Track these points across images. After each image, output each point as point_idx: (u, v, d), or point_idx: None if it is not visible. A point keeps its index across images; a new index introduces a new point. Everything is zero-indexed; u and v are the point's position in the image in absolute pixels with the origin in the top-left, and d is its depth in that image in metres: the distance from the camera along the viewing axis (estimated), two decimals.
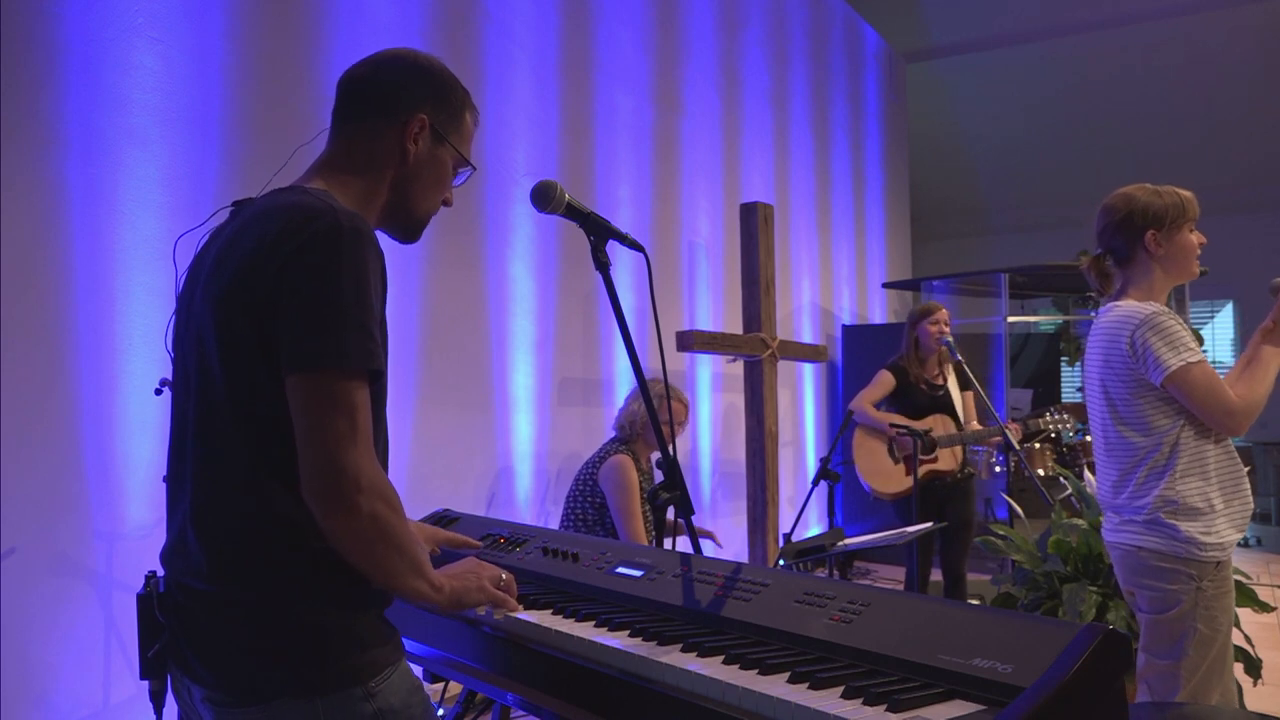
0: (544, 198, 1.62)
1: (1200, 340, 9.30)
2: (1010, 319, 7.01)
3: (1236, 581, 3.09)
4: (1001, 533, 3.56)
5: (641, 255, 1.65)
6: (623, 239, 1.66)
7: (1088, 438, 6.15)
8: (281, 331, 1.15)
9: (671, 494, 1.61)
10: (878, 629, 1.25)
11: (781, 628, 1.33)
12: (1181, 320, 2.26)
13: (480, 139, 4.01)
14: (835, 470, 3.80)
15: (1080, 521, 3.32)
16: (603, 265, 1.63)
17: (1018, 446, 4.34)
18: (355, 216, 1.21)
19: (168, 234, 2.80)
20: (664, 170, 5.32)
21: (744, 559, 4.37)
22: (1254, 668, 3.04)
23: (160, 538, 1.33)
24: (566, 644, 1.41)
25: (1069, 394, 9.51)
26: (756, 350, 4.21)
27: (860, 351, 7.13)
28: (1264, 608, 3.02)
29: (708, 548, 2.91)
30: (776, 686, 1.17)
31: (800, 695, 1.14)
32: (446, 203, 1.45)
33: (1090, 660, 1.05)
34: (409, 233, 1.43)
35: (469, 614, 1.55)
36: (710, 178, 5.76)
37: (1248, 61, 8.51)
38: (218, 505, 1.20)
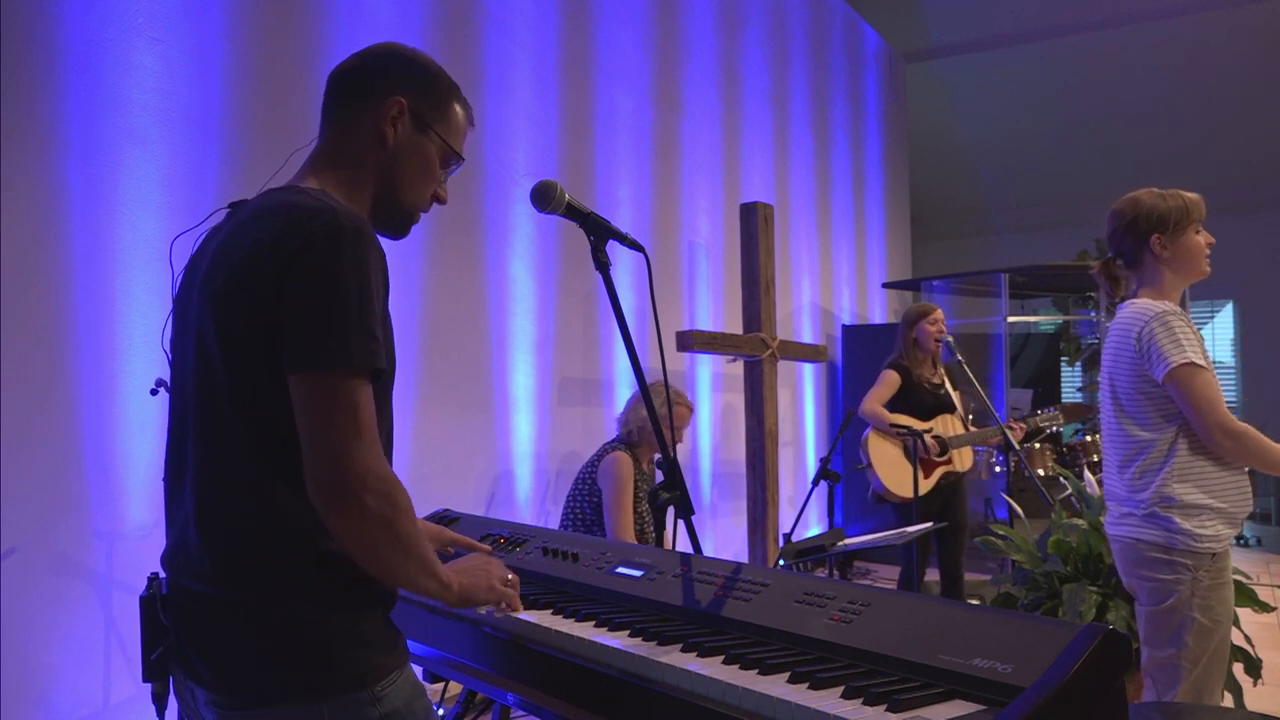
0: (544, 198, 1.62)
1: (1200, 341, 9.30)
2: (1010, 319, 7.01)
3: (1236, 582, 3.09)
4: (1001, 533, 3.56)
5: (641, 255, 1.65)
6: (623, 239, 1.66)
7: (1088, 438, 6.16)
8: (283, 332, 1.14)
9: (671, 494, 1.61)
10: (878, 629, 1.25)
11: (781, 628, 1.33)
12: (1193, 325, 2.29)
13: (480, 139, 4.02)
14: (835, 470, 3.80)
15: (1080, 521, 3.32)
16: (603, 265, 1.63)
17: (1018, 446, 4.34)
18: (355, 215, 1.20)
19: (168, 234, 2.79)
20: (664, 170, 5.32)
21: (744, 559, 4.37)
22: (1254, 668, 3.04)
23: (160, 538, 1.33)
24: (566, 644, 1.41)
25: (1069, 394, 9.51)
26: (756, 350, 4.21)
27: (860, 351, 7.13)
28: (1264, 608, 3.02)
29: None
30: (776, 686, 1.17)
31: (800, 695, 1.14)
32: (439, 199, 1.44)
33: (1090, 660, 1.06)
34: (397, 225, 1.41)
35: (469, 613, 1.55)
36: (710, 178, 5.76)
37: (1248, 61, 8.51)
38: (220, 507, 1.20)
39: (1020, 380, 8.42)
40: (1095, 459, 6.01)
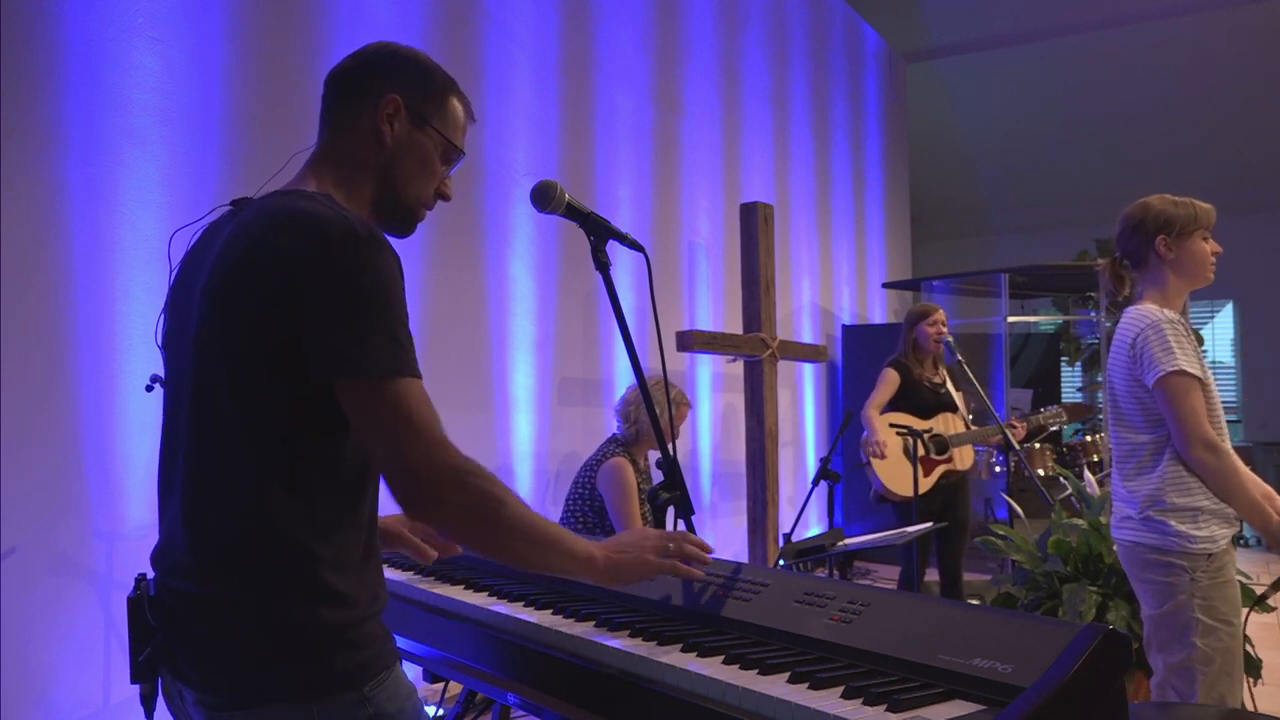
0: (544, 198, 1.62)
1: (1200, 341, 9.32)
2: (1010, 319, 7.01)
3: (1238, 581, 3.09)
4: (1001, 533, 3.57)
5: (641, 255, 1.65)
6: (623, 239, 1.66)
7: (1088, 438, 6.16)
8: (313, 342, 1.14)
9: (671, 494, 1.61)
10: (878, 629, 1.25)
11: (781, 628, 1.33)
12: (1191, 336, 2.32)
13: (480, 139, 4.02)
14: (835, 470, 3.80)
15: (1080, 521, 3.32)
16: (603, 265, 1.63)
17: (1018, 446, 4.34)
18: (368, 223, 1.20)
19: (168, 234, 2.79)
20: (664, 170, 5.32)
21: (744, 559, 4.37)
22: (1254, 668, 3.04)
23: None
24: (566, 644, 1.41)
25: (1069, 394, 9.51)
26: (756, 350, 4.21)
27: (860, 351, 7.13)
28: (1264, 608, 3.02)
29: None
30: (776, 686, 1.17)
31: (800, 695, 1.14)
32: (443, 195, 1.43)
33: (1090, 660, 1.05)
34: (401, 224, 1.40)
35: (471, 613, 1.54)
36: (710, 178, 5.76)
37: (1248, 61, 8.51)
38: (212, 505, 1.19)
39: (1020, 380, 8.42)
40: (1095, 459, 6.01)
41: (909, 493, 4.26)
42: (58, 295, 2.58)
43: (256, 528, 1.17)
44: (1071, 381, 9.72)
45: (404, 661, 2.01)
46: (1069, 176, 9.88)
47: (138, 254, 2.77)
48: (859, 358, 7.09)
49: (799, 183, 6.93)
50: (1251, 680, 3.03)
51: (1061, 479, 3.96)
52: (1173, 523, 2.25)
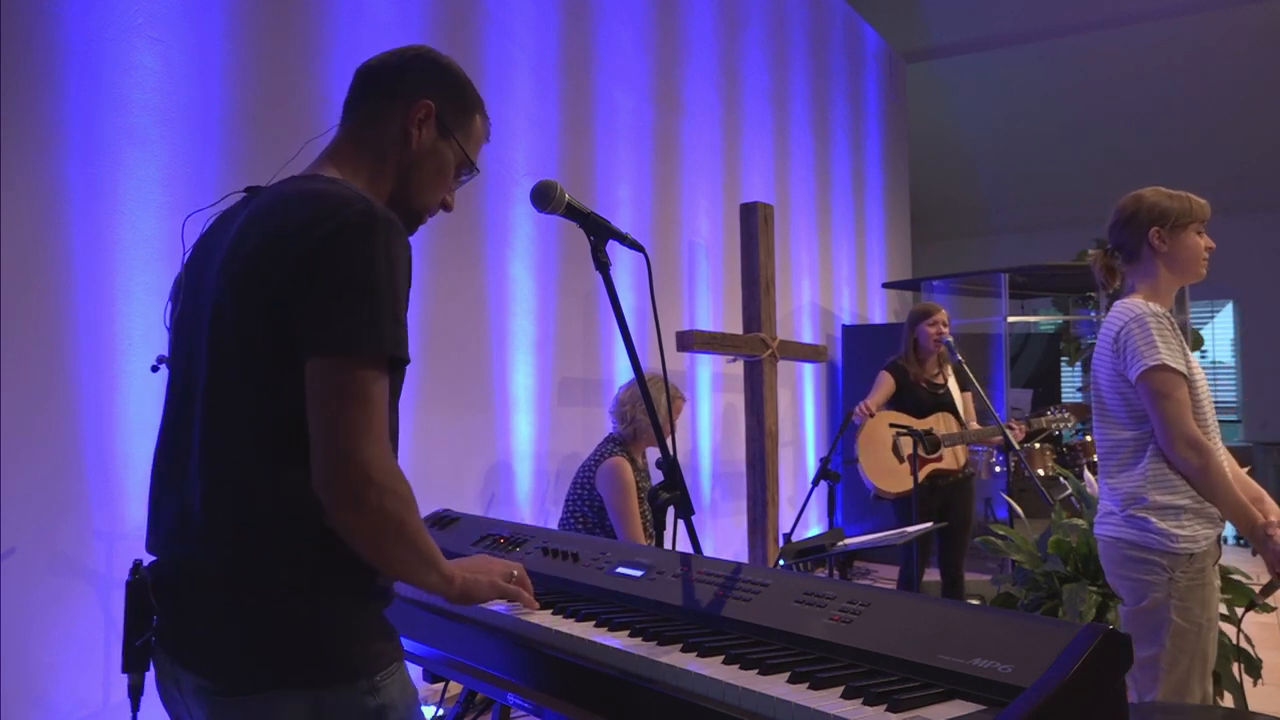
0: (544, 198, 1.62)
1: (1200, 341, 9.33)
2: (1010, 319, 7.01)
3: (1236, 581, 3.09)
4: (1001, 533, 3.57)
5: (641, 255, 1.65)
6: (623, 239, 1.66)
7: (1088, 438, 6.16)
8: (306, 316, 1.13)
9: (671, 494, 1.61)
10: (878, 629, 1.25)
11: (781, 628, 1.33)
12: (1177, 330, 2.29)
13: None
14: (835, 470, 3.81)
15: (1080, 521, 3.32)
16: (603, 265, 1.63)
17: (1018, 446, 4.34)
18: (387, 209, 1.21)
19: (168, 234, 2.81)
20: (664, 170, 5.32)
21: (744, 559, 4.37)
22: (1254, 668, 3.04)
23: None
24: (566, 644, 1.41)
25: (1069, 394, 9.51)
26: (756, 350, 4.21)
27: (860, 351, 7.13)
28: (1264, 608, 3.02)
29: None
30: (776, 686, 1.17)
31: (800, 695, 1.14)
32: (446, 206, 1.44)
33: (1090, 660, 1.06)
34: (405, 226, 1.38)
35: (470, 612, 1.54)
36: (710, 178, 5.77)
37: (1247, 61, 8.51)
38: (226, 487, 1.18)
39: (1020, 380, 8.42)
40: (1095, 459, 6.00)
41: (896, 489, 4.29)
42: (58, 295, 2.58)
43: (272, 511, 1.16)
44: (1072, 381, 9.72)
45: (404, 661, 2.01)
46: (1069, 176, 9.88)
47: (138, 254, 2.77)
48: (859, 358, 7.09)
49: (799, 183, 6.93)
50: (1252, 680, 3.03)
51: (1061, 479, 3.96)
52: (1154, 520, 2.23)
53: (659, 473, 1.65)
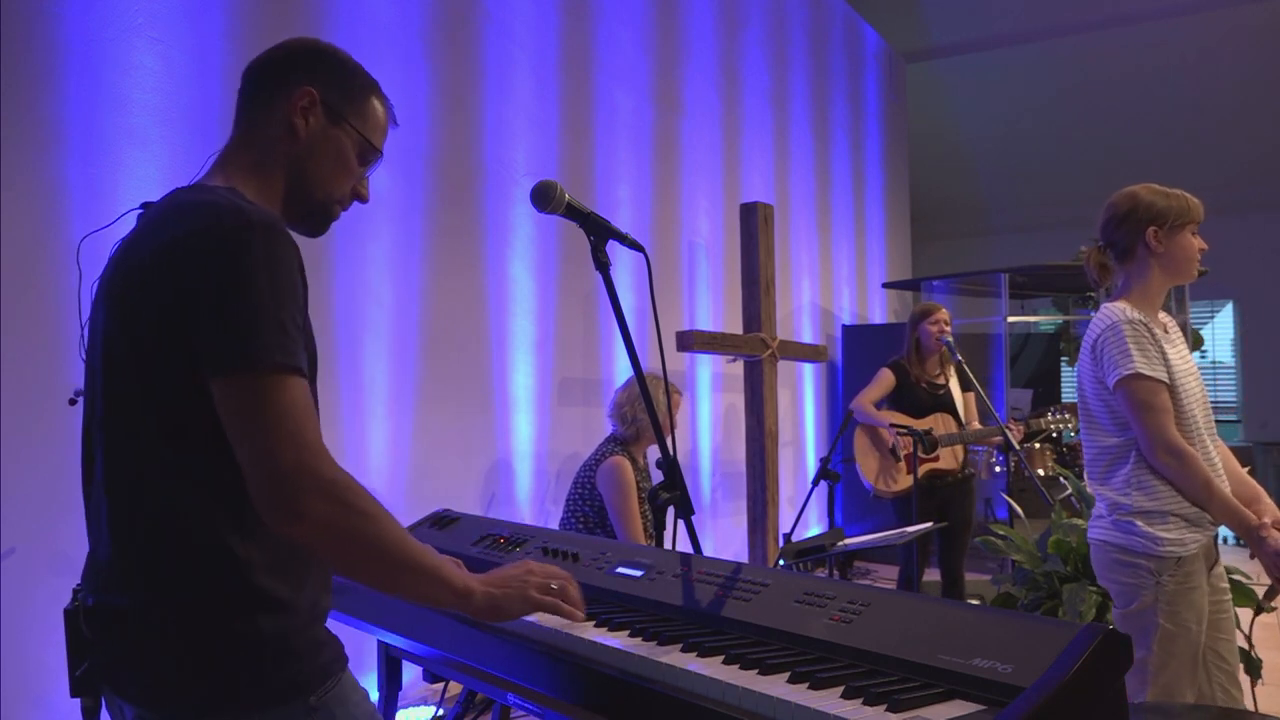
0: (544, 198, 1.62)
1: (1200, 341, 9.32)
2: (1010, 319, 7.00)
3: (1236, 581, 3.09)
4: (1001, 533, 3.57)
5: (641, 255, 1.65)
6: (623, 239, 1.66)
7: None
8: (198, 335, 1.09)
9: (671, 494, 1.61)
10: (878, 629, 1.25)
11: (781, 628, 1.33)
12: (1155, 336, 2.27)
13: (480, 139, 4.02)
14: (835, 470, 3.81)
15: (1080, 521, 3.32)
16: (603, 265, 1.63)
17: (1018, 446, 4.34)
18: (266, 212, 1.16)
19: None
20: (664, 170, 5.32)
21: (744, 559, 4.37)
22: (1254, 668, 3.04)
23: None
24: (566, 644, 1.41)
25: (1069, 394, 9.50)
26: (756, 350, 4.21)
27: (860, 351, 7.13)
28: (1267, 609, 3.02)
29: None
30: (776, 686, 1.17)
31: (800, 695, 1.14)
32: (359, 196, 1.38)
33: (1090, 660, 1.06)
34: (312, 221, 1.35)
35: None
36: (710, 178, 5.76)
37: (1247, 61, 8.51)
38: (131, 514, 1.15)
39: (1020, 380, 8.42)
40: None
41: (893, 489, 4.30)
42: (58, 295, 2.58)
43: (180, 534, 1.12)
44: (1072, 382, 9.70)
45: (404, 661, 2.01)
46: (1069, 176, 9.87)
47: None
48: (859, 358, 7.08)
49: (799, 183, 6.93)
50: (1252, 680, 3.02)
51: (1061, 479, 3.96)
52: (1139, 524, 2.23)
53: (659, 473, 1.65)
